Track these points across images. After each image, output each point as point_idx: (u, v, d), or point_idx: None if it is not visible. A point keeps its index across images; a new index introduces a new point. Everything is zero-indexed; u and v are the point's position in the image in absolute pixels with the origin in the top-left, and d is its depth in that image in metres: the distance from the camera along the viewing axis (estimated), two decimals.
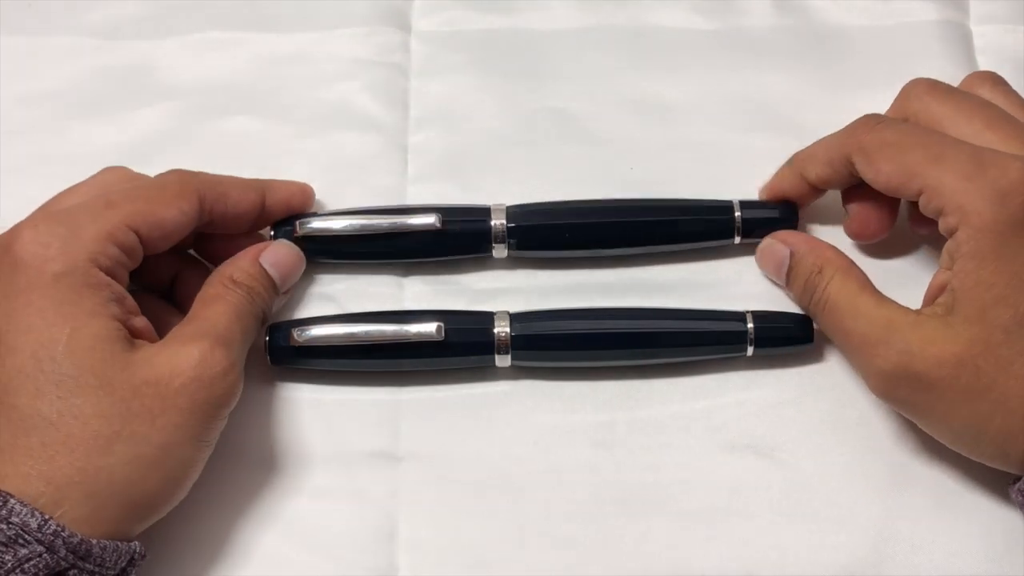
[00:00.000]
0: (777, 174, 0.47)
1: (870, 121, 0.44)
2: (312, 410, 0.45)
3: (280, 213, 0.46)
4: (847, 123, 0.44)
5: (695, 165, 0.50)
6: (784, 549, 0.42)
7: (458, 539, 0.43)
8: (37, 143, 0.51)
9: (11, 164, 0.50)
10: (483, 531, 0.43)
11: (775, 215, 0.47)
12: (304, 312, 0.47)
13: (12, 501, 0.36)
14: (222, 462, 0.43)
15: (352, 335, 0.44)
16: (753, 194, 0.48)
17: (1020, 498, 0.40)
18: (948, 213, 0.40)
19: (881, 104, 0.46)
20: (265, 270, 0.44)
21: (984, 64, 0.52)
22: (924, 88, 0.44)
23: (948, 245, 0.41)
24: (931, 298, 0.42)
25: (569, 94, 0.52)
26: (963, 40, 0.53)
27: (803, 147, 0.46)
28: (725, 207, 0.47)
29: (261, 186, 0.46)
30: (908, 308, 0.41)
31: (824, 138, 0.45)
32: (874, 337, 0.40)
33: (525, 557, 0.42)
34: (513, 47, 0.53)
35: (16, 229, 0.40)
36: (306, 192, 0.47)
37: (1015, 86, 0.45)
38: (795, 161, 0.47)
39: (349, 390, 0.45)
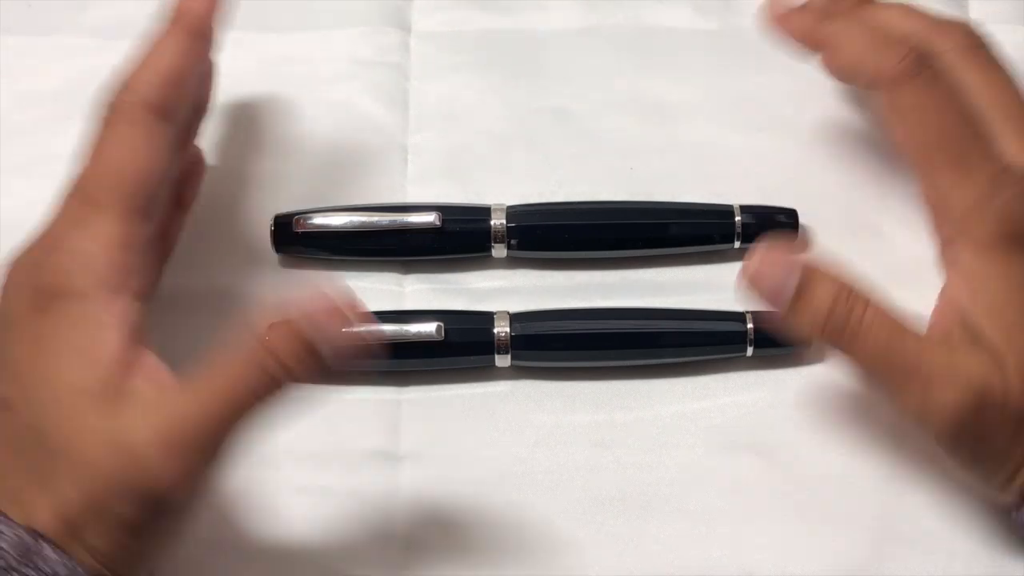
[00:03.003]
0: (795, 14, 0.44)
1: (908, 54, 0.40)
2: (312, 410, 0.45)
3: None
4: (848, 123, 0.44)
5: (695, 165, 0.50)
6: (784, 549, 0.42)
7: (458, 539, 0.43)
8: (37, 143, 0.51)
9: (11, 164, 0.50)
10: (483, 531, 0.43)
11: (776, 220, 0.47)
12: None
13: (44, 545, 0.33)
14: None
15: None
16: (753, 194, 0.48)
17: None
18: (948, 223, 0.40)
19: None
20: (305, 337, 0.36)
21: None
22: (966, 44, 0.41)
23: (946, 256, 0.40)
24: (940, 315, 0.41)
25: (569, 94, 0.52)
26: None
27: (803, 147, 0.46)
28: (725, 211, 0.47)
29: None
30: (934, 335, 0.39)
31: (856, 28, 0.42)
32: (939, 364, 0.37)
33: (525, 557, 0.42)
34: (513, 47, 0.53)
35: None
36: None
37: None
38: (826, 28, 0.43)
39: (349, 390, 0.45)
